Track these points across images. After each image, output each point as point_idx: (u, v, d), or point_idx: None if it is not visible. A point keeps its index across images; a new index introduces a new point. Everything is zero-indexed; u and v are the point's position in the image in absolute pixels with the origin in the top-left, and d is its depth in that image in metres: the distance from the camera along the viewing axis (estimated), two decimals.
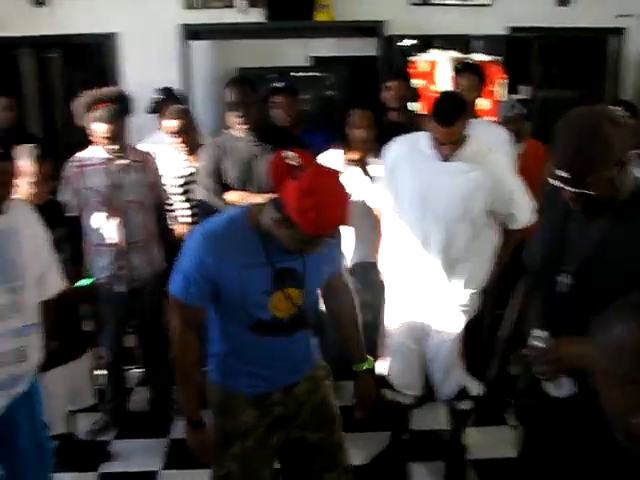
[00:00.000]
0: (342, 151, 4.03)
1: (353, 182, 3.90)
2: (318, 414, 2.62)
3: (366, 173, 4.02)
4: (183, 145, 4.31)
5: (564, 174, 2.11)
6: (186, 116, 4.35)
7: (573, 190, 2.12)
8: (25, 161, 3.27)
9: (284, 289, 2.40)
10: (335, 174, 2.24)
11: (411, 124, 4.45)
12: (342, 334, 2.76)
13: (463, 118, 3.27)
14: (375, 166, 3.95)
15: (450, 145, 3.27)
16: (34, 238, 2.82)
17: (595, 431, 2.27)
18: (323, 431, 2.63)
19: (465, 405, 3.65)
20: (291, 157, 2.18)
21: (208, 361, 2.60)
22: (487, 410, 4.12)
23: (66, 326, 3.52)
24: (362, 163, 3.98)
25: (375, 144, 3.96)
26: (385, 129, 4.10)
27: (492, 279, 3.55)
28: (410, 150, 3.46)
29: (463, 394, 3.60)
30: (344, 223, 2.24)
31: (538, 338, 2.17)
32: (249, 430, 2.52)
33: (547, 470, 2.54)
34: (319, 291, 2.66)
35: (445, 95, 3.54)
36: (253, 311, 2.39)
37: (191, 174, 4.30)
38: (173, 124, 4.28)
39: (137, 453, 4.00)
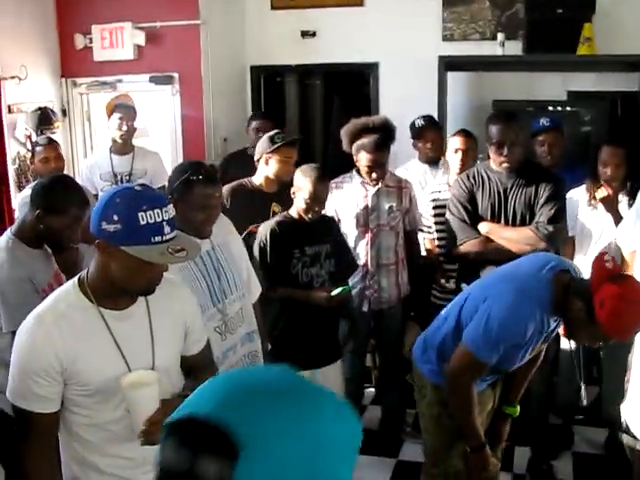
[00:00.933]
0: (585, 189, 3.97)
1: (600, 221, 3.79)
2: None
3: (617, 212, 3.89)
4: (460, 165, 4.35)
5: None
6: (470, 138, 4.44)
7: None
8: (306, 181, 3.49)
9: None
10: None
11: None
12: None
13: None
14: (624, 207, 3.83)
15: None
16: (235, 244, 3.05)
17: None
18: None
19: None
20: (608, 261, 2.47)
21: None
22: None
23: (323, 333, 3.71)
24: (612, 202, 3.84)
25: (626, 182, 3.84)
26: None
27: None
28: None
29: None
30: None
31: None
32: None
33: None
34: None
35: None
36: None
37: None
38: (458, 142, 4.38)
39: (364, 469, 4.11)
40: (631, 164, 3.92)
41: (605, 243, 3.91)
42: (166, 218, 1.97)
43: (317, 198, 3.50)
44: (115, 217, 1.93)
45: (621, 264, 3.53)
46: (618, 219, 3.85)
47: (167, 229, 1.97)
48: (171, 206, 2.03)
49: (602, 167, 3.93)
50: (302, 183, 3.49)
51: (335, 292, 3.49)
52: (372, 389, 4.93)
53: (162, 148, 5.94)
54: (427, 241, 4.45)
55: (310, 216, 3.54)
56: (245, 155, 4.97)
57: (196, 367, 2.34)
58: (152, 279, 2.06)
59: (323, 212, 3.69)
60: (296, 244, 3.54)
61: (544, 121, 4.43)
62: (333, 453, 0.88)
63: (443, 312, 2.98)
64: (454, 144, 4.43)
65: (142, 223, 1.92)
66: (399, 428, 4.43)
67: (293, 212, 3.58)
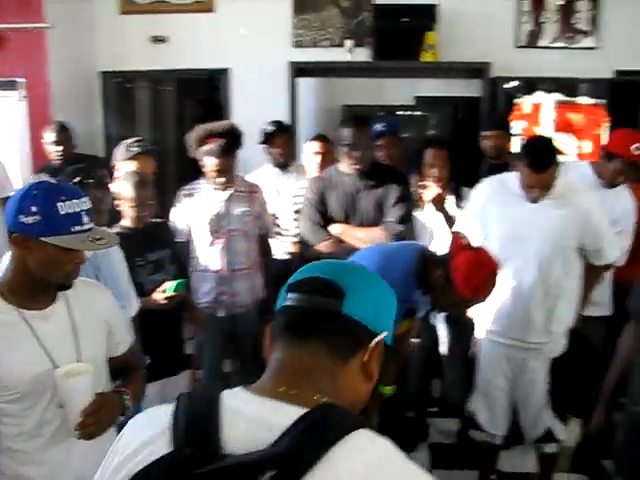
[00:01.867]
0: (415, 190, 4.12)
1: (429, 221, 3.96)
2: None
3: (443, 211, 4.07)
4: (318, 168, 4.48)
5: None
6: (327, 142, 4.58)
7: None
8: (127, 187, 3.51)
9: None
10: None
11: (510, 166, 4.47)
12: None
13: (555, 164, 3.29)
14: (451, 205, 4.02)
15: (540, 190, 3.30)
16: (117, 256, 3.03)
17: None
18: None
19: (551, 448, 3.62)
20: (462, 237, 2.89)
21: None
22: (586, 457, 4.09)
23: (165, 342, 3.69)
24: (441, 201, 4.02)
25: (450, 182, 4.06)
26: (484, 173, 4.15)
27: (578, 318, 3.55)
28: (500, 189, 3.49)
29: (550, 437, 3.58)
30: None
31: None
32: None
33: None
34: None
35: (537, 140, 3.55)
36: None
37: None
38: (315, 146, 4.55)
39: None
40: (454, 164, 4.10)
41: (437, 241, 4.08)
42: (84, 208, 2.01)
43: (141, 202, 3.53)
44: (34, 209, 1.94)
45: None
46: (448, 218, 4.03)
47: (86, 219, 2.01)
48: (87, 198, 2.05)
49: (428, 168, 4.09)
50: (124, 190, 3.51)
51: (169, 287, 3.48)
52: None
53: (8, 156, 5.69)
54: (290, 244, 4.51)
55: (138, 223, 3.56)
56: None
57: (122, 369, 2.35)
58: (70, 271, 2.07)
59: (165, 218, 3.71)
60: (137, 252, 3.51)
61: (379, 126, 4.56)
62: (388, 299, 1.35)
63: None
64: (311, 148, 4.51)
65: (62, 213, 1.95)
66: None
67: (126, 222, 3.57)
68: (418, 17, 5.77)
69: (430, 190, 4.03)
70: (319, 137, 4.60)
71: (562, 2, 6.09)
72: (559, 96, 5.27)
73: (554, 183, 3.31)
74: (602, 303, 4.00)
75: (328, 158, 4.48)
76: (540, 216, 3.33)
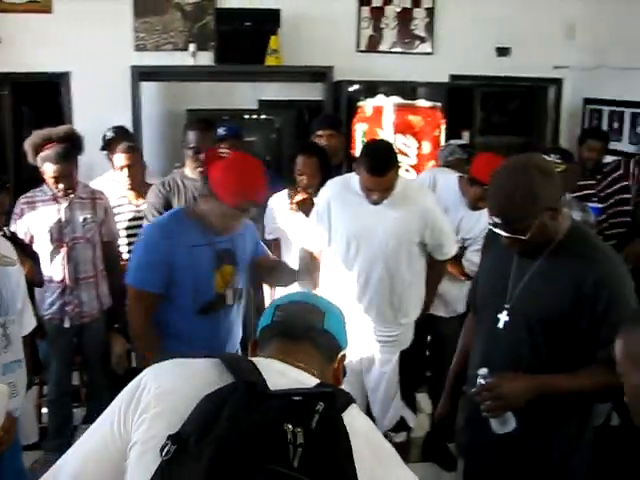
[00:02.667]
0: (287, 196, 4.12)
1: (299, 227, 3.99)
2: None
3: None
4: (130, 182, 4.38)
5: (497, 219, 2.25)
6: (135, 152, 4.44)
7: (506, 235, 2.26)
8: None
9: (223, 267, 2.94)
10: (253, 158, 2.92)
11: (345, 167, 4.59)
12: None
13: (395, 168, 3.37)
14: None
15: (380, 193, 3.37)
16: (18, 271, 2.86)
17: (531, 464, 2.40)
18: None
19: (400, 438, 3.75)
20: (224, 151, 2.90)
21: None
22: (435, 445, 4.26)
23: None
24: (310, 207, 4.06)
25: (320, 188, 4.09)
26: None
27: (425, 311, 3.70)
28: (342, 190, 3.57)
29: (400, 426, 3.70)
30: (261, 196, 2.94)
31: (481, 376, 2.25)
32: None
33: None
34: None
35: (376, 144, 3.65)
36: (203, 289, 2.88)
37: (134, 218, 4.41)
38: (122, 159, 4.37)
39: None
40: (325, 171, 4.11)
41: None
42: None
43: None
44: None
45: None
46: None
47: None
48: None
49: (298, 175, 4.11)
50: None
51: None
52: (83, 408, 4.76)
53: None
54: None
55: None
56: None
57: None
58: None
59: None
60: None
61: (222, 130, 4.54)
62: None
63: None
64: (119, 161, 4.40)
65: None
66: None
67: None
68: (261, 21, 5.83)
69: (298, 197, 4.04)
70: (126, 148, 4.42)
71: (399, 9, 6.32)
72: (398, 99, 5.46)
73: (394, 185, 3.41)
74: (458, 301, 4.12)
75: (137, 169, 4.42)
76: (382, 214, 3.43)
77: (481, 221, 3.83)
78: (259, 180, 2.83)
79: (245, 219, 2.94)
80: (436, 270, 3.74)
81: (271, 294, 4.07)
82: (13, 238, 3.32)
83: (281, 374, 1.42)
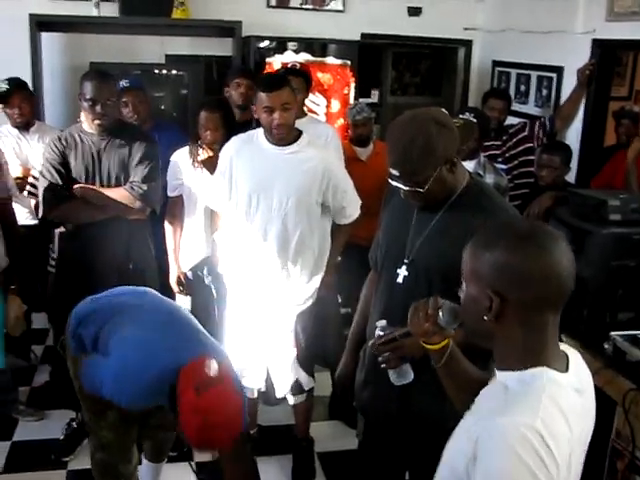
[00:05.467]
0: (189, 152, 4.01)
1: (203, 184, 3.91)
2: None
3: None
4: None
5: (395, 172, 2.23)
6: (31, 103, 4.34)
7: (405, 188, 2.25)
8: None
9: None
10: (237, 399, 2.39)
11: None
12: None
13: (289, 86, 3.35)
14: None
15: (280, 113, 3.28)
16: None
17: (427, 418, 2.42)
18: None
19: (300, 399, 3.75)
20: (212, 368, 2.36)
21: None
22: (339, 404, 4.30)
23: None
24: (212, 164, 3.96)
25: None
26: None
27: (328, 274, 3.68)
28: (246, 145, 3.51)
29: (298, 388, 3.71)
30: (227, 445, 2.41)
31: (380, 327, 2.26)
32: None
33: (384, 459, 2.65)
34: None
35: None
36: None
37: None
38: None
39: None
40: (229, 126, 4.02)
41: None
42: None
43: None
44: None
45: None
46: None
47: None
48: None
49: (202, 131, 4.00)
50: None
51: None
52: None
53: None
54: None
55: None
56: None
57: None
58: None
59: None
60: None
61: (124, 82, 4.37)
62: None
63: None
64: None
65: None
66: (10, 409, 4.21)
67: None
68: None
69: (202, 153, 3.93)
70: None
71: None
72: (308, 56, 5.40)
73: (300, 136, 3.41)
74: None
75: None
76: (285, 169, 3.38)
77: None
78: (229, 431, 2.37)
79: None
80: (340, 235, 3.70)
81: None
82: None
83: None
